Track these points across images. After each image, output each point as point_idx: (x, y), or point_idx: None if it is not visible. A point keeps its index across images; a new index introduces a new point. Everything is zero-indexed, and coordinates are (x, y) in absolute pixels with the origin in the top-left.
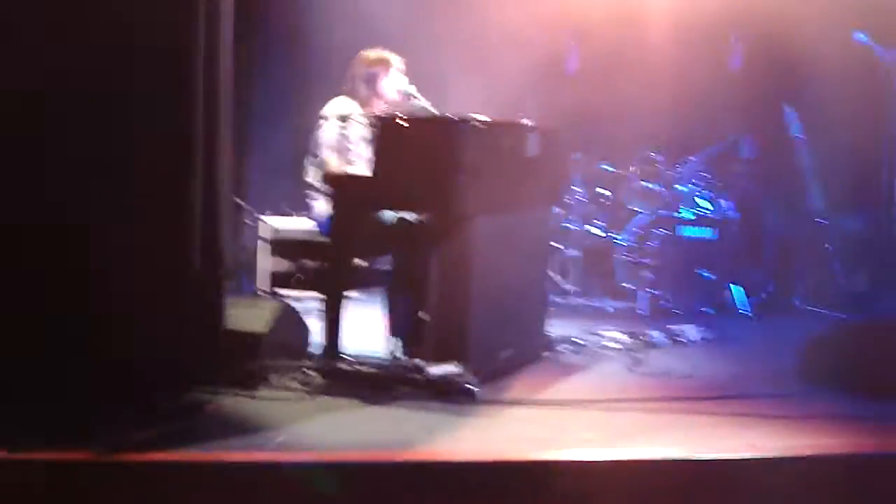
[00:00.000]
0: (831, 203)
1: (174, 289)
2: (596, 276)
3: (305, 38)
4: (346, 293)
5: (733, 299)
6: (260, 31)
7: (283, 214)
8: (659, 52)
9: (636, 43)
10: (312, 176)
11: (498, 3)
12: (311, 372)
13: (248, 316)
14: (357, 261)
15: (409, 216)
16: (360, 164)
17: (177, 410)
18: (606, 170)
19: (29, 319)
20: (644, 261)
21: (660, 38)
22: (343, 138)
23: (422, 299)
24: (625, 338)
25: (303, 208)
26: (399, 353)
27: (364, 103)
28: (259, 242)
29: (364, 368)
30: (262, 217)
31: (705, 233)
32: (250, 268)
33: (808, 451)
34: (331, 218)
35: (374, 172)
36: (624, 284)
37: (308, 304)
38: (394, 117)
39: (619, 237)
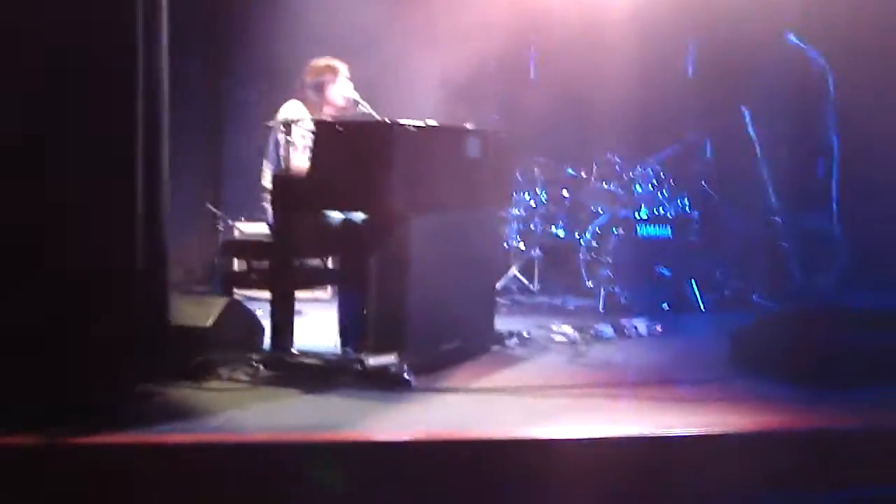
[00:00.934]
0: (785, 201)
1: (116, 287)
2: (559, 275)
3: (274, 46)
4: (294, 291)
5: (692, 295)
6: (232, 40)
7: (257, 220)
8: (616, 57)
9: (594, 49)
10: (266, 180)
11: (459, 11)
12: (257, 364)
13: (194, 312)
14: (312, 260)
15: (355, 217)
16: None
17: (123, 402)
18: (568, 172)
19: None
20: (603, 259)
21: (617, 44)
22: (288, 143)
23: (366, 296)
24: (572, 332)
25: None
26: (345, 347)
27: (313, 109)
28: None
29: (308, 360)
30: (235, 223)
31: (662, 232)
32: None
33: (709, 430)
34: (273, 219)
35: (311, 174)
36: (586, 283)
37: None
38: (329, 122)
39: (580, 237)
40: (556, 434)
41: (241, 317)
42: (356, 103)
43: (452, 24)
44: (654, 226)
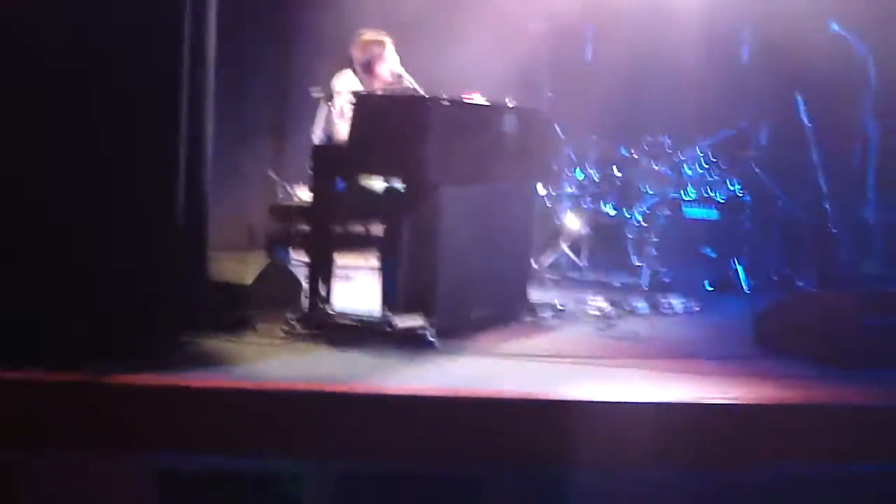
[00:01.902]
0: (838, 190)
1: (157, 241)
2: (607, 252)
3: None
4: (331, 254)
5: (737, 277)
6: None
7: None
8: (671, 40)
9: (650, 31)
10: None
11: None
12: (293, 321)
13: (236, 270)
14: (356, 227)
15: (397, 185)
16: None
17: (155, 351)
18: (620, 152)
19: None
20: (649, 238)
21: (672, 27)
22: (331, 113)
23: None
24: (607, 305)
25: None
26: (384, 310)
27: (363, 81)
28: None
29: (341, 320)
30: (296, 189)
31: (709, 213)
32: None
33: (711, 400)
34: (313, 185)
35: (349, 143)
36: (633, 261)
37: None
38: (367, 94)
39: (629, 216)
40: (554, 395)
41: (281, 277)
42: (401, 77)
43: (509, 4)
44: (702, 207)
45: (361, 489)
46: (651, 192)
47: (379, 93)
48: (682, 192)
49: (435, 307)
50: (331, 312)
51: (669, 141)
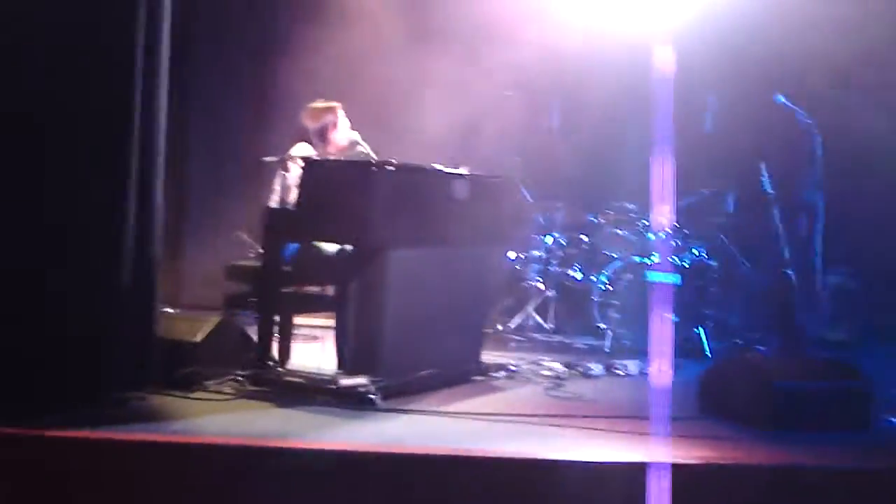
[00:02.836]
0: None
1: (102, 299)
2: (573, 315)
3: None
4: (278, 314)
5: (699, 340)
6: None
7: None
8: (636, 109)
9: (615, 100)
10: None
11: (484, 58)
12: (242, 379)
13: (186, 328)
14: (310, 288)
15: (348, 248)
16: None
17: (97, 405)
18: (587, 218)
19: None
20: (613, 302)
21: (638, 95)
22: (284, 179)
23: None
24: (561, 367)
25: None
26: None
27: (316, 150)
28: None
29: (288, 378)
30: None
31: (672, 278)
32: None
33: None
34: (262, 248)
35: (297, 206)
36: (598, 324)
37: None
38: (314, 160)
39: (595, 280)
40: (476, 452)
41: (233, 335)
42: (355, 143)
43: (477, 71)
44: (665, 273)
45: None
46: (616, 257)
47: (327, 159)
48: (646, 257)
49: (380, 367)
50: (278, 371)
51: (634, 207)
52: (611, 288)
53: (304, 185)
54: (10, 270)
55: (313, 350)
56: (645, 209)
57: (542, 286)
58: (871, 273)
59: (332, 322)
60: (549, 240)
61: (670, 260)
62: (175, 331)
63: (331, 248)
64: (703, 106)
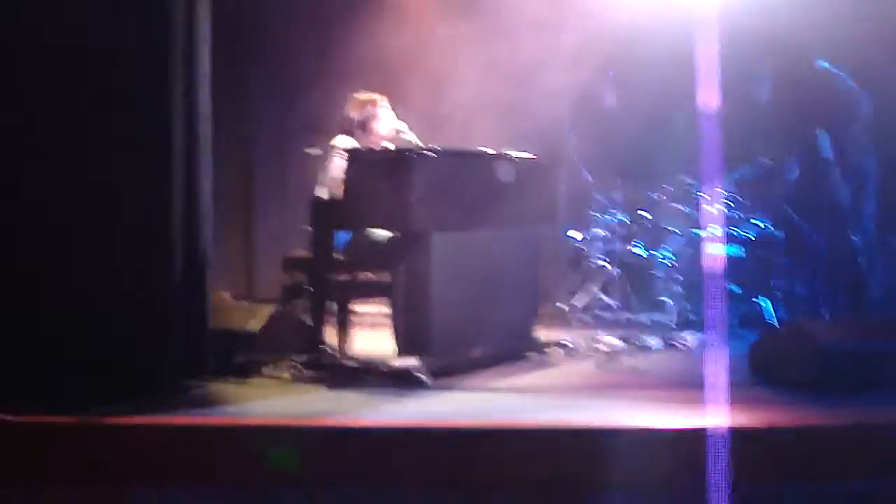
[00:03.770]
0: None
1: (155, 291)
2: (638, 291)
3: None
4: (327, 301)
5: (762, 312)
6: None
7: None
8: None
9: (670, 75)
10: None
11: (540, 40)
12: (297, 364)
13: (243, 317)
14: (366, 274)
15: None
16: None
17: (157, 394)
18: (647, 194)
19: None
20: (677, 277)
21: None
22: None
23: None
24: (618, 342)
25: None
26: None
27: (360, 140)
28: None
29: (342, 362)
30: None
31: (735, 250)
32: None
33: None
34: (312, 237)
35: (343, 196)
36: (662, 298)
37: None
38: (358, 150)
39: (658, 256)
40: (521, 424)
41: (289, 323)
42: (399, 132)
43: (534, 53)
44: (727, 245)
45: None
46: (677, 232)
47: (369, 149)
48: (707, 230)
49: (430, 347)
50: (333, 356)
51: (693, 182)
52: (674, 263)
53: (347, 174)
54: (63, 266)
55: (378, 337)
56: (703, 183)
57: (606, 264)
58: None
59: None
60: (610, 218)
61: (731, 232)
62: (233, 320)
63: (381, 235)
64: (757, 74)
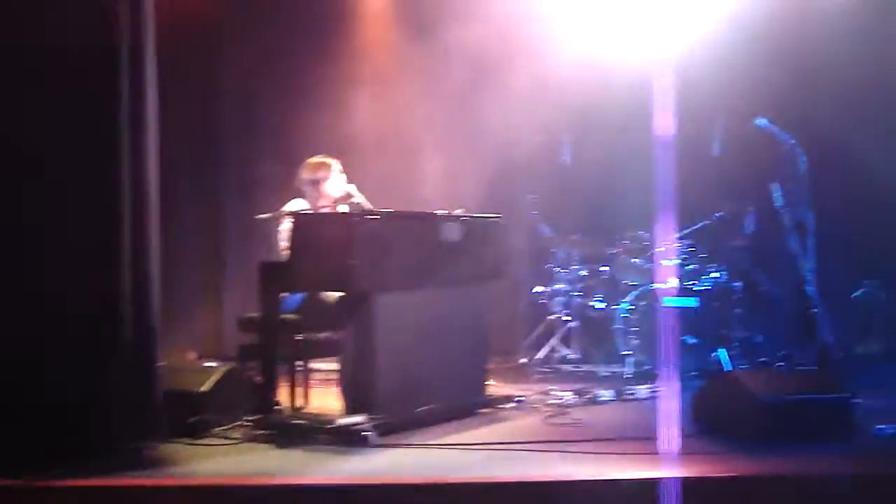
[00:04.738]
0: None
1: (104, 355)
2: (597, 344)
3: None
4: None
5: (719, 362)
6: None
7: None
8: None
9: (624, 130)
10: None
11: (498, 103)
12: (248, 424)
13: (192, 379)
14: (321, 334)
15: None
16: None
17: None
18: (605, 249)
19: None
20: (633, 329)
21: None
22: (278, 234)
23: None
24: (570, 395)
25: None
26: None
27: (312, 203)
28: None
29: (291, 420)
30: None
31: (690, 302)
32: None
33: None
34: (260, 299)
35: (289, 259)
36: (620, 351)
37: None
38: (301, 213)
39: (615, 309)
40: (465, 479)
41: (240, 384)
42: (349, 195)
43: (491, 114)
44: (682, 297)
45: None
46: (634, 285)
47: (313, 212)
48: (662, 283)
49: (377, 405)
50: (283, 415)
51: (648, 235)
52: (631, 315)
53: (292, 237)
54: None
55: (336, 394)
56: (659, 237)
57: (566, 318)
58: None
59: None
60: (569, 272)
61: (687, 284)
62: (183, 382)
63: (332, 295)
64: (709, 130)
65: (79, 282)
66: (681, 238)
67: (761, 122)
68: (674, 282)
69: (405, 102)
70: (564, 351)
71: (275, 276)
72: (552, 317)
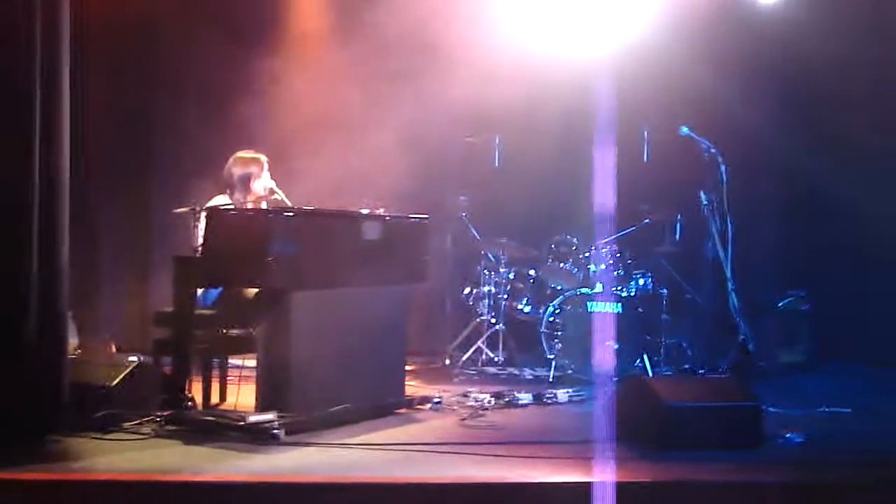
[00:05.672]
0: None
1: (8, 348)
2: (523, 347)
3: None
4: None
5: (643, 367)
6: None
7: None
8: (578, 145)
9: (556, 135)
10: None
11: (429, 103)
12: (159, 419)
13: (102, 373)
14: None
15: None
16: None
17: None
18: (532, 253)
19: None
20: (558, 333)
21: (578, 130)
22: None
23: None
24: (487, 397)
25: None
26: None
27: (237, 198)
28: None
29: (201, 417)
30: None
31: (613, 308)
32: None
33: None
34: (174, 294)
35: (202, 254)
36: (545, 355)
37: None
38: (217, 209)
39: (542, 312)
40: (360, 479)
41: (151, 378)
42: (271, 192)
43: (424, 115)
44: (606, 302)
45: None
46: (560, 289)
47: (229, 208)
48: (589, 288)
49: (289, 403)
50: (194, 411)
51: (575, 240)
52: (557, 319)
53: (207, 232)
54: None
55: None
56: (587, 242)
57: (492, 320)
58: (823, 295)
59: None
60: (496, 275)
61: (612, 290)
62: (93, 375)
63: (249, 291)
64: (640, 137)
65: None
66: (608, 243)
67: (684, 130)
68: (600, 287)
69: (335, 98)
70: (490, 353)
71: (189, 270)
72: (479, 319)
